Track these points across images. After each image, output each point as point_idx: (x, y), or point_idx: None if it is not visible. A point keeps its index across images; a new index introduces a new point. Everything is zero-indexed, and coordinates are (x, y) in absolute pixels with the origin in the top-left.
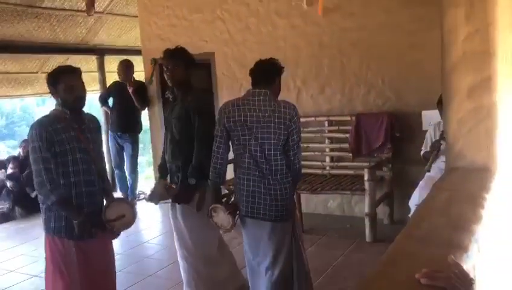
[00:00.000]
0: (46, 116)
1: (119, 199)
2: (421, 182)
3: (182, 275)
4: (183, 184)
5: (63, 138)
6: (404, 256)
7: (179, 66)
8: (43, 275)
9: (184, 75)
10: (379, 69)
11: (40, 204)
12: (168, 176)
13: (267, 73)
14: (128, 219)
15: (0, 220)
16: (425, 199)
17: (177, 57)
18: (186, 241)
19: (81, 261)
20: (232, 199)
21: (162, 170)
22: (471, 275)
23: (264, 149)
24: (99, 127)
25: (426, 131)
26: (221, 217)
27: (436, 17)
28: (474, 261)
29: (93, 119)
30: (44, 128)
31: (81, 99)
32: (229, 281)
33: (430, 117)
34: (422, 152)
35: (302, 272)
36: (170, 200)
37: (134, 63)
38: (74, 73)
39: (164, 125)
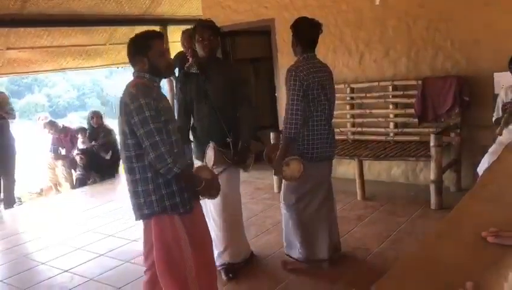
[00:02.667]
0: (141, 85)
1: (202, 166)
2: (491, 148)
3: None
4: (240, 147)
5: (162, 107)
6: (470, 216)
7: (215, 35)
8: (117, 234)
9: (218, 45)
10: (448, 30)
11: (141, 187)
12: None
13: (318, 36)
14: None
15: (77, 185)
16: (494, 161)
17: (214, 26)
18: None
19: (189, 234)
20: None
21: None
22: None
23: (331, 106)
24: None
25: (498, 95)
26: (293, 168)
27: None
28: None
29: None
30: (150, 97)
31: (171, 66)
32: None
33: (502, 79)
34: (493, 118)
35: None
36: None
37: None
38: (163, 38)
39: (180, 98)
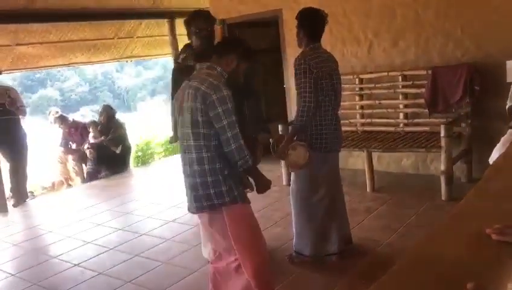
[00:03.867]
0: (216, 77)
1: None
2: (503, 138)
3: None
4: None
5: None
6: (474, 211)
7: (212, 26)
8: (127, 228)
9: (214, 36)
10: (458, 17)
11: (210, 177)
12: None
13: (324, 26)
14: None
15: (87, 179)
16: (502, 154)
17: (211, 18)
18: None
19: None
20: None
21: None
22: None
23: (337, 96)
24: None
25: (511, 83)
26: (298, 153)
27: None
28: None
29: None
30: (228, 89)
31: (239, 79)
32: None
33: None
34: (507, 106)
35: None
36: None
37: None
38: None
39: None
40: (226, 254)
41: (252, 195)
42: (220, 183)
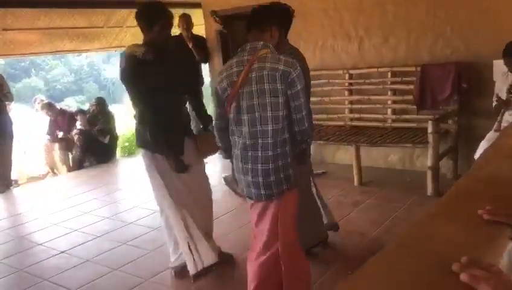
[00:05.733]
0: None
1: None
2: (488, 134)
3: None
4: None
5: None
6: (466, 196)
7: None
8: (114, 217)
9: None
10: (447, 16)
11: (281, 161)
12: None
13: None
14: None
15: (74, 166)
16: (491, 144)
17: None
18: None
19: None
20: None
21: None
22: None
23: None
24: None
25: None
26: None
27: None
28: None
29: None
30: None
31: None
32: None
33: (501, 67)
34: (493, 104)
35: None
36: None
37: (193, 16)
38: None
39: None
40: (273, 241)
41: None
42: (288, 167)
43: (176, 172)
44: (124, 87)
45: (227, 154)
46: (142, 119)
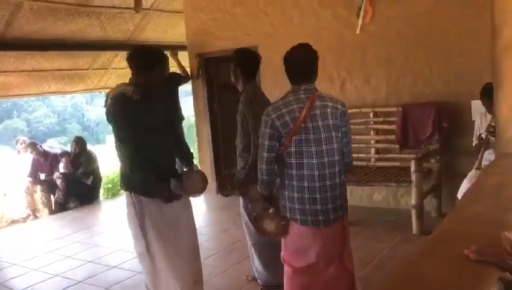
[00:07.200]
0: None
1: None
2: (470, 172)
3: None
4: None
5: None
6: (453, 234)
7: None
8: (97, 260)
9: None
10: (426, 58)
11: (342, 188)
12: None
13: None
14: None
15: (55, 210)
16: (474, 183)
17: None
18: None
19: None
20: None
21: None
22: None
23: None
24: None
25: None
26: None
27: (486, 3)
28: None
29: None
30: None
31: None
32: None
33: (479, 107)
34: (474, 143)
35: None
36: None
37: (180, 58)
38: None
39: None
40: (337, 260)
41: (229, 226)
42: (345, 193)
43: (165, 202)
44: (109, 128)
45: (270, 187)
46: (129, 160)
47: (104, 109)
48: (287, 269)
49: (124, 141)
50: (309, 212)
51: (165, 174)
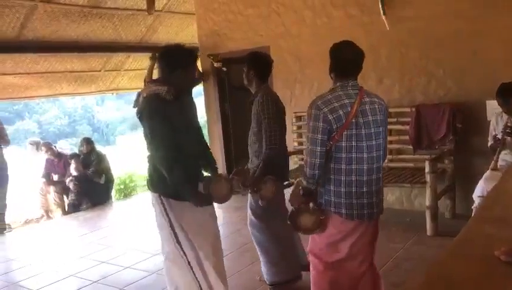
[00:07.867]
0: None
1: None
2: (486, 173)
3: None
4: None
5: None
6: (479, 236)
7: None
8: (111, 261)
9: None
10: (440, 58)
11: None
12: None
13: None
14: None
15: (69, 211)
16: (496, 185)
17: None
18: None
19: None
20: None
21: None
22: None
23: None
24: None
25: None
26: (268, 188)
27: (498, 2)
28: None
29: None
30: None
31: None
32: None
33: (494, 107)
34: (489, 144)
35: None
36: None
37: None
38: None
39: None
40: (368, 257)
41: (240, 227)
42: (383, 188)
43: (199, 205)
44: (120, 129)
45: (318, 182)
46: (166, 161)
47: (135, 109)
48: (316, 264)
49: (161, 141)
50: (356, 206)
51: (195, 177)
